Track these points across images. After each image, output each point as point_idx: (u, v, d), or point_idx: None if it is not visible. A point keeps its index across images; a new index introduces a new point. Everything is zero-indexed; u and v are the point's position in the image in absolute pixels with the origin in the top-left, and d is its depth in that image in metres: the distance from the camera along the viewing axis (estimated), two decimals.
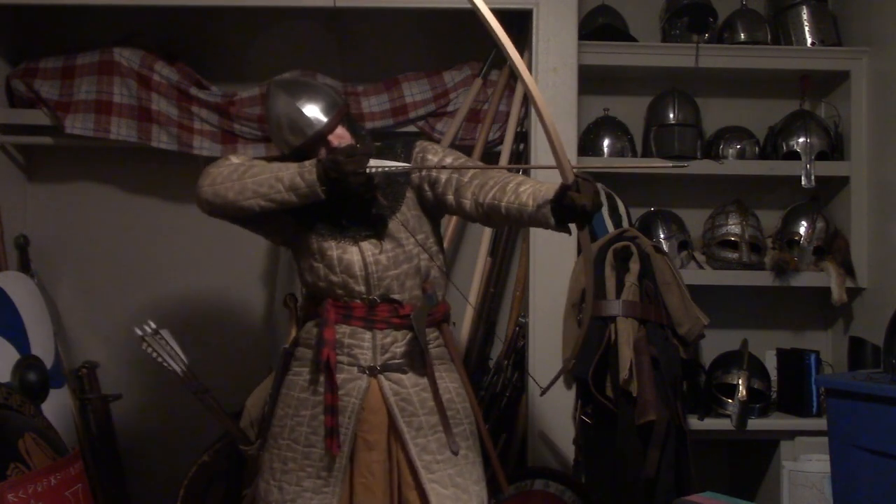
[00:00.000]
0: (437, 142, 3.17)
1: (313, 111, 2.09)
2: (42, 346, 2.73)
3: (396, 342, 2.13)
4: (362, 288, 2.11)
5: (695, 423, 2.97)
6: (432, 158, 2.12)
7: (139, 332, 2.37)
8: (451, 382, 2.19)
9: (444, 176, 2.09)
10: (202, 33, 3.33)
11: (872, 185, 3.18)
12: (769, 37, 3.33)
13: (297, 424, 2.16)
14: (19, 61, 3.19)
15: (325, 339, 2.09)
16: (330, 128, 2.09)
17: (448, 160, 2.11)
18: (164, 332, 2.42)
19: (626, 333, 2.70)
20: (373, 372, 2.12)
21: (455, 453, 2.13)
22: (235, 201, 2.10)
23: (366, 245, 2.11)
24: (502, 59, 3.18)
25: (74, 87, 3.10)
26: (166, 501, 3.13)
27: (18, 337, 2.66)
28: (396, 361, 2.13)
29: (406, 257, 2.13)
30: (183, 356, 2.45)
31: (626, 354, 2.67)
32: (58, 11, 3.21)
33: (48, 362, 2.73)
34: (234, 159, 2.19)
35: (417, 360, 2.14)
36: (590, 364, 2.72)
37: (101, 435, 3.13)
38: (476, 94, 3.16)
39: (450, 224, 3.12)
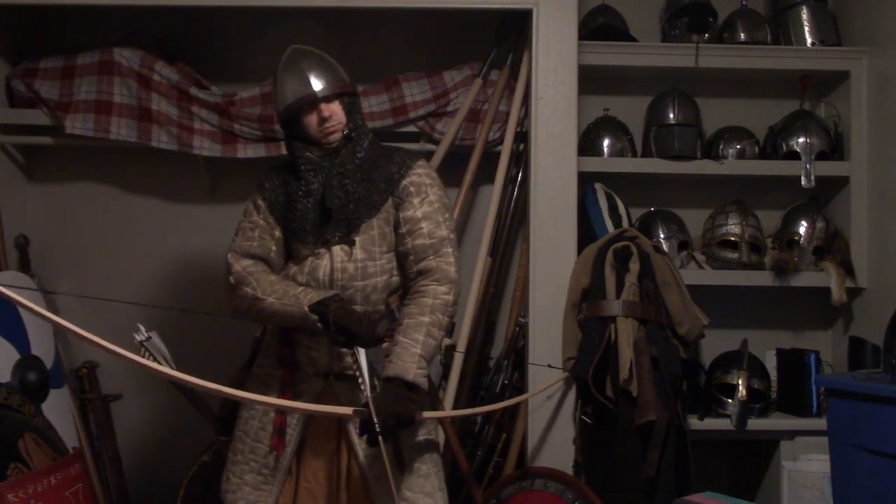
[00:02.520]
0: (437, 142, 3.18)
1: (316, 76, 2.10)
2: (42, 346, 2.73)
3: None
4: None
5: (695, 423, 2.97)
6: (413, 202, 2.10)
7: (138, 339, 2.40)
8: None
9: (415, 232, 2.09)
10: (202, 33, 3.33)
11: (872, 185, 3.18)
12: (769, 37, 3.33)
13: (251, 417, 2.17)
14: (19, 61, 3.19)
15: (285, 336, 2.12)
16: (325, 96, 2.08)
17: (419, 210, 2.10)
18: (154, 335, 2.45)
19: (626, 333, 2.70)
20: (327, 377, 2.11)
21: (402, 467, 2.04)
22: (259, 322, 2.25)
23: (337, 251, 2.09)
24: (502, 59, 3.19)
25: (74, 87, 3.10)
26: (166, 501, 3.13)
27: (18, 337, 2.66)
28: (350, 371, 2.08)
29: (376, 270, 2.10)
30: (170, 359, 2.48)
31: (626, 354, 2.66)
32: (58, 11, 3.21)
33: (48, 362, 2.73)
34: (241, 287, 2.15)
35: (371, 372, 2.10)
36: (590, 364, 2.72)
37: (101, 435, 3.14)
38: (476, 94, 3.16)
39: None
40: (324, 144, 2.11)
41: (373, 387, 2.00)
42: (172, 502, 3.09)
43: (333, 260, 2.08)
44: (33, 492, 2.25)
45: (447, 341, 2.32)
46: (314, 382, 2.11)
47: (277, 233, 2.17)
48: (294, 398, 2.09)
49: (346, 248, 2.09)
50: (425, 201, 2.11)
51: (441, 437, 2.53)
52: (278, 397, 2.09)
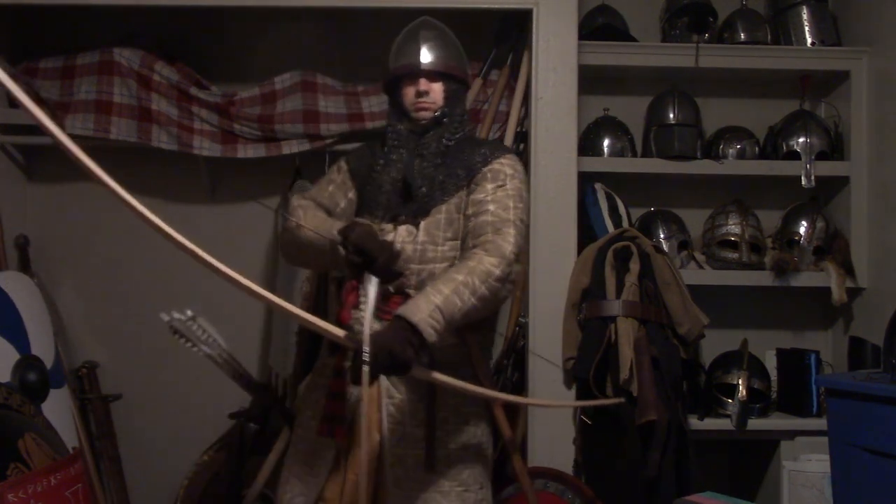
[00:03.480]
0: None
1: (428, 49, 2.10)
2: (42, 346, 2.73)
3: None
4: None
5: (695, 423, 2.97)
6: (486, 187, 2.02)
7: (165, 318, 2.33)
8: (453, 398, 2.01)
9: (481, 210, 2.00)
10: (202, 33, 3.33)
11: (872, 185, 3.18)
12: (769, 37, 3.33)
13: (306, 408, 2.13)
14: (19, 61, 3.19)
15: (340, 320, 2.02)
16: (428, 70, 2.07)
17: (490, 195, 2.01)
18: (201, 320, 2.41)
19: (626, 333, 2.70)
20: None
21: (430, 466, 1.96)
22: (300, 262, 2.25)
23: (402, 230, 2.02)
24: (502, 59, 3.19)
25: (74, 87, 3.10)
26: (166, 501, 3.13)
27: (18, 337, 2.65)
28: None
29: (436, 256, 2.01)
30: (221, 340, 2.44)
31: (626, 354, 2.67)
32: (58, 11, 3.21)
33: (48, 362, 2.73)
34: (289, 218, 2.12)
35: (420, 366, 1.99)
36: (590, 364, 2.72)
37: (101, 435, 3.14)
38: (476, 94, 3.16)
39: None
40: (414, 119, 2.09)
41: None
42: (172, 502, 3.09)
43: (396, 238, 2.01)
44: (33, 492, 2.25)
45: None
46: (363, 372, 1.99)
47: (352, 195, 2.15)
48: (346, 386, 2.01)
49: (411, 228, 2.02)
50: (500, 188, 2.02)
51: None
52: (334, 384, 2.02)
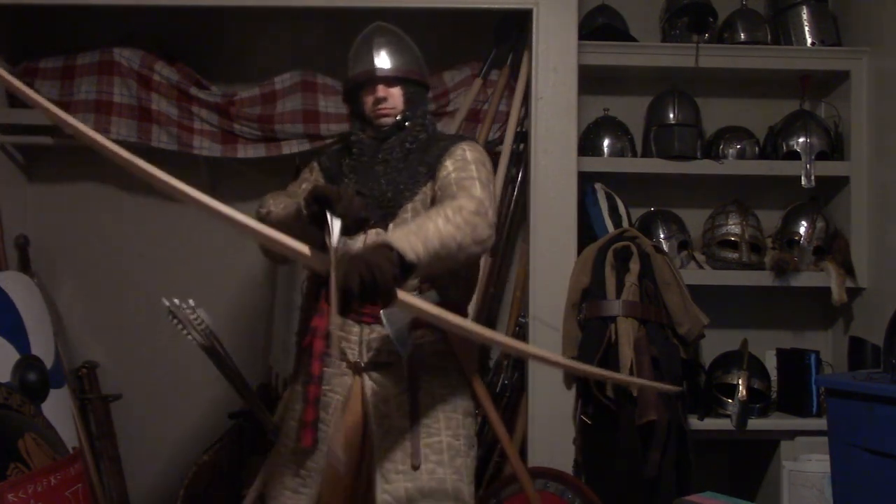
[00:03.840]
0: None
1: (384, 55, 2.07)
2: (42, 346, 2.73)
3: (385, 339, 1.98)
4: None
5: (695, 423, 2.97)
6: (447, 166, 1.99)
7: (166, 303, 2.31)
8: (440, 388, 2.02)
9: (445, 182, 1.97)
10: (202, 33, 3.33)
11: (872, 185, 3.18)
12: (769, 37, 3.33)
13: (291, 418, 2.11)
14: (19, 61, 3.19)
15: (312, 326, 2.01)
16: (384, 76, 2.05)
17: (452, 170, 1.97)
18: (201, 311, 2.39)
19: (626, 333, 2.70)
20: (357, 369, 2.01)
21: (415, 467, 1.94)
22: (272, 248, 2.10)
23: (371, 234, 1.99)
24: (502, 59, 3.19)
25: (74, 87, 3.10)
26: (166, 501, 3.13)
27: (18, 337, 2.65)
28: (382, 360, 2.00)
29: None
30: (216, 334, 2.43)
31: (626, 354, 2.67)
32: (58, 11, 3.21)
33: (48, 362, 2.73)
34: (259, 211, 2.12)
35: (408, 362, 1.99)
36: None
37: (101, 435, 3.14)
38: (476, 94, 3.16)
39: None
40: (376, 126, 2.06)
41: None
42: (172, 502, 3.09)
43: (367, 243, 1.96)
44: (33, 492, 2.25)
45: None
46: (346, 376, 2.02)
47: None
48: (324, 391, 2.00)
49: (381, 231, 1.99)
50: (459, 161, 2.00)
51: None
52: (308, 389, 1.97)
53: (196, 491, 3.05)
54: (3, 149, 3.21)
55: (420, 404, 1.99)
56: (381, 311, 1.90)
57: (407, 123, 2.07)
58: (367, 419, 2.00)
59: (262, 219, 2.04)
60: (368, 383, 2.01)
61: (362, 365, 2.02)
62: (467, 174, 1.96)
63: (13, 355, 2.61)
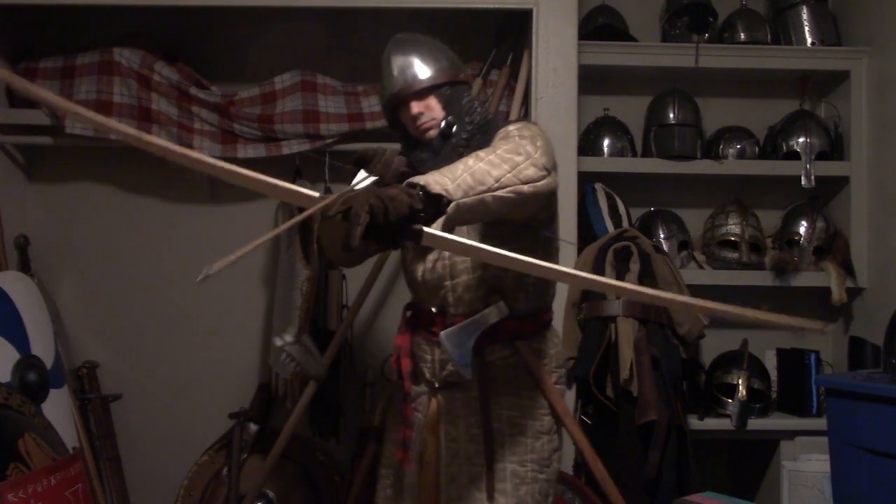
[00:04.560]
0: None
1: (402, 71, 1.92)
2: (42, 346, 2.73)
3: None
4: (424, 296, 1.97)
5: (695, 423, 2.97)
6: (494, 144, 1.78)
7: (279, 343, 2.39)
8: (508, 410, 1.93)
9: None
10: (202, 33, 3.33)
11: (872, 185, 3.18)
12: (769, 37, 3.33)
13: (391, 431, 2.12)
14: (19, 61, 3.19)
15: (397, 344, 1.99)
16: (411, 92, 1.91)
17: (492, 148, 1.71)
18: (305, 338, 2.47)
19: (626, 333, 2.70)
20: (432, 388, 1.98)
21: (488, 496, 1.87)
22: (344, 263, 2.16)
23: (428, 253, 1.94)
24: (502, 59, 3.19)
25: (74, 87, 3.10)
26: (166, 501, 3.13)
27: (18, 337, 2.65)
28: (452, 380, 1.94)
29: (467, 267, 1.91)
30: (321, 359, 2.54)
31: (626, 354, 2.67)
32: (58, 11, 3.21)
33: (48, 362, 2.73)
34: None
35: (480, 382, 1.91)
36: (590, 364, 2.72)
37: (101, 435, 3.14)
38: (476, 94, 3.16)
39: None
40: (424, 141, 1.93)
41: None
42: (172, 502, 3.09)
43: (426, 261, 1.94)
44: (33, 492, 2.25)
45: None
46: (426, 395, 2.00)
47: None
48: (413, 411, 2.00)
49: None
50: (502, 135, 1.83)
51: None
52: (403, 411, 1.99)
53: (196, 491, 3.05)
54: (3, 149, 3.21)
55: (492, 430, 1.92)
56: (441, 333, 1.85)
57: (453, 128, 1.92)
58: (439, 441, 1.97)
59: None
60: (442, 403, 1.97)
61: (436, 384, 1.97)
62: (514, 141, 1.76)
63: (13, 355, 2.61)
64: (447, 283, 1.93)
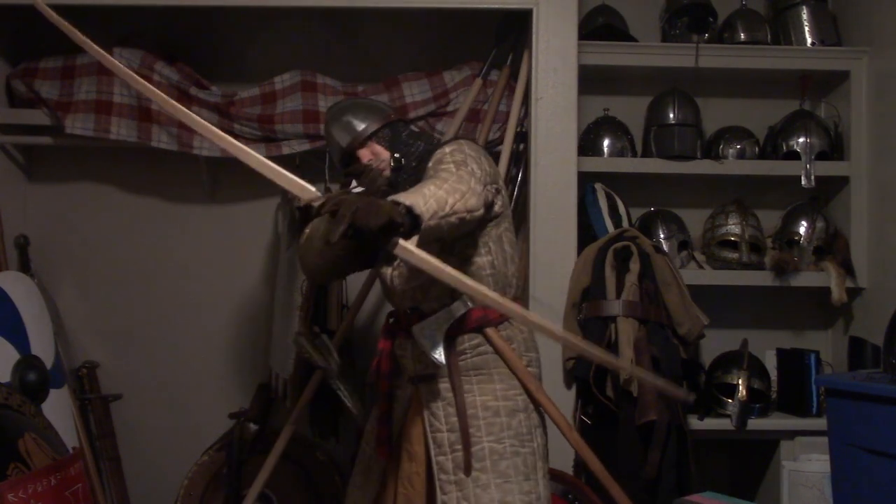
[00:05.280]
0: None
1: (339, 131, 2.22)
2: (42, 346, 2.73)
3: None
4: (396, 300, 2.17)
5: (695, 423, 2.97)
6: (428, 168, 2.02)
7: (294, 338, 2.59)
8: (481, 396, 2.09)
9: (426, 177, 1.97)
10: (202, 33, 3.33)
11: (872, 185, 3.18)
12: (769, 37, 3.33)
13: (370, 422, 2.29)
14: (19, 61, 3.19)
15: (379, 348, 2.18)
16: (356, 145, 2.19)
17: (430, 169, 1.99)
18: (324, 337, 2.65)
19: (626, 333, 2.70)
20: (413, 382, 2.14)
21: (467, 474, 2.03)
22: (314, 271, 2.23)
23: (387, 269, 2.14)
24: (502, 59, 3.19)
25: (74, 87, 3.10)
26: (166, 501, 3.13)
27: (18, 337, 2.65)
28: (428, 372, 2.11)
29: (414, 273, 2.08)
30: (336, 356, 2.67)
31: (626, 354, 2.66)
32: (58, 12, 3.20)
33: (48, 362, 2.73)
34: (307, 229, 2.21)
35: (452, 371, 2.09)
36: (590, 364, 2.72)
37: (101, 435, 3.14)
38: (476, 94, 3.16)
39: None
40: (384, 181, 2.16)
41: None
42: (172, 502, 3.09)
43: (393, 266, 2.13)
44: (33, 492, 2.25)
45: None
46: (407, 389, 2.17)
47: None
48: (393, 406, 2.18)
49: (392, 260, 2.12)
50: (436, 159, 2.01)
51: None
52: (380, 406, 2.17)
53: (196, 491, 3.05)
54: (3, 149, 3.21)
55: (467, 418, 2.07)
56: (413, 327, 2.05)
57: (403, 162, 2.16)
58: (425, 430, 2.13)
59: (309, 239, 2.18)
60: (424, 395, 2.13)
61: (416, 378, 2.14)
62: (443, 166, 1.97)
63: (13, 355, 2.61)
64: (413, 283, 2.09)
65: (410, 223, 1.60)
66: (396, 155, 2.16)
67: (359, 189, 1.86)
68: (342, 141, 2.20)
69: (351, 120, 2.21)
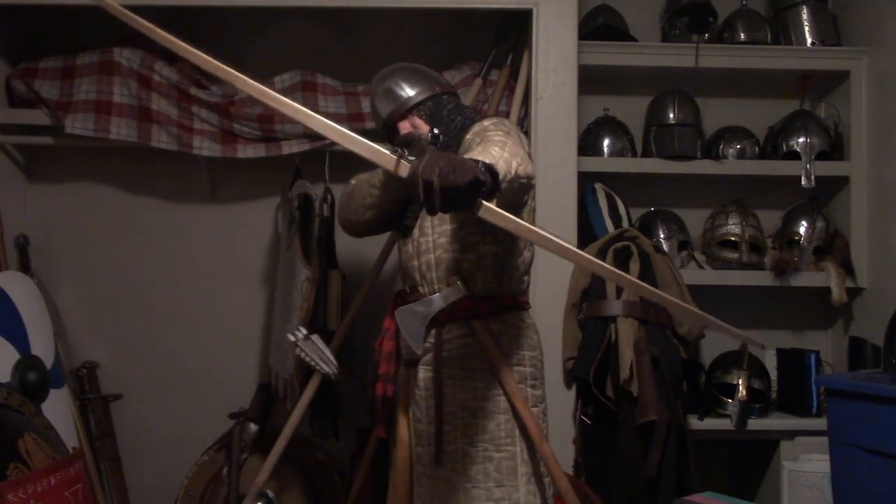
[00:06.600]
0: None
1: (383, 100, 2.21)
2: (42, 346, 2.73)
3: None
4: (404, 277, 2.17)
5: (695, 423, 2.97)
6: (466, 138, 1.99)
7: (292, 338, 2.54)
8: (462, 393, 2.03)
9: (469, 145, 1.94)
10: (202, 33, 3.32)
11: (872, 185, 3.18)
12: (769, 37, 3.33)
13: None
14: (19, 61, 3.19)
15: (384, 327, 2.17)
16: (396, 118, 2.18)
17: (475, 136, 1.94)
18: (315, 337, 2.60)
19: (626, 333, 2.70)
20: (405, 365, 2.14)
21: (436, 463, 2.01)
22: (356, 221, 2.22)
23: (411, 234, 2.12)
24: (502, 59, 3.19)
25: (74, 87, 3.10)
26: (166, 501, 3.13)
27: (18, 337, 2.65)
28: (411, 357, 2.10)
29: (429, 247, 2.06)
30: (333, 359, 2.65)
31: (626, 354, 2.67)
32: (58, 11, 3.20)
33: (48, 362, 2.73)
34: (353, 181, 2.24)
35: (435, 360, 2.05)
36: (590, 364, 2.72)
37: (101, 435, 3.14)
38: (476, 94, 3.16)
39: None
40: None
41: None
42: (172, 502, 3.09)
43: (408, 242, 2.12)
44: (33, 492, 2.25)
45: None
46: (402, 372, 2.16)
47: None
48: (394, 389, 2.17)
49: (414, 229, 2.11)
50: (477, 129, 2.00)
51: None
52: (376, 387, 2.17)
53: (196, 491, 3.05)
54: (3, 149, 3.21)
55: (443, 411, 2.03)
56: (397, 310, 2.02)
57: (441, 137, 2.11)
58: (408, 418, 2.13)
59: (352, 195, 2.20)
60: (414, 375, 2.11)
61: (411, 360, 2.12)
62: (490, 134, 1.92)
63: (13, 355, 2.61)
64: (414, 262, 2.09)
65: (493, 182, 1.53)
66: (435, 131, 2.11)
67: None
68: (383, 111, 2.20)
69: (393, 88, 2.21)
